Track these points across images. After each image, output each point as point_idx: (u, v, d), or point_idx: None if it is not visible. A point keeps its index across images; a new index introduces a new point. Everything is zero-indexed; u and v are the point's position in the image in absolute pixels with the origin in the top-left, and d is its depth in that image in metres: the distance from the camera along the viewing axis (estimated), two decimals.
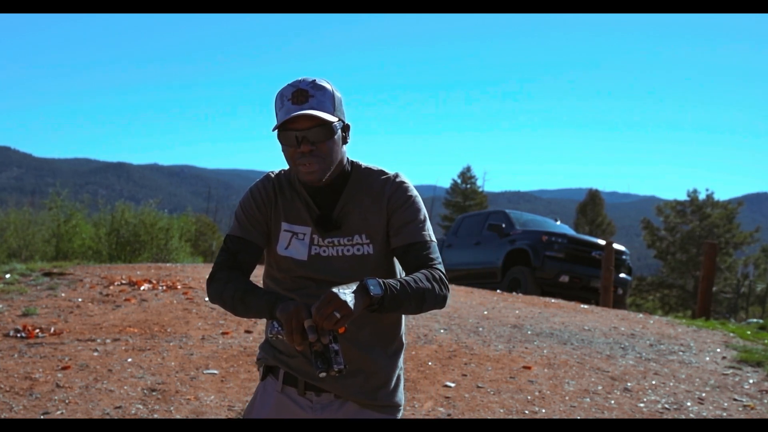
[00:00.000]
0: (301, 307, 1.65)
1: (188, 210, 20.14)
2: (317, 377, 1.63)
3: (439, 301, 1.82)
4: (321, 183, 1.86)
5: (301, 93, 1.81)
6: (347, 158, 1.94)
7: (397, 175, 1.94)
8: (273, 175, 1.98)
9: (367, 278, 1.70)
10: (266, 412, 1.95)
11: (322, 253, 1.90)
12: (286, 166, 1.96)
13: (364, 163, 1.97)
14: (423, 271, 1.82)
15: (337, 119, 1.83)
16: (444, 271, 1.87)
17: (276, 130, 1.84)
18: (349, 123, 1.91)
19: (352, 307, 1.62)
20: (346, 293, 1.63)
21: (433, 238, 1.92)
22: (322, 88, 1.83)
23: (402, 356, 2.00)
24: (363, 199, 1.92)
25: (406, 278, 1.77)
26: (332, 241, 1.90)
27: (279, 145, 1.87)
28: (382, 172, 1.95)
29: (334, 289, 1.63)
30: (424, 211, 1.94)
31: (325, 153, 1.82)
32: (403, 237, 1.88)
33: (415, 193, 1.94)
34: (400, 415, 1.98)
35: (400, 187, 1.92)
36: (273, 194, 1.95)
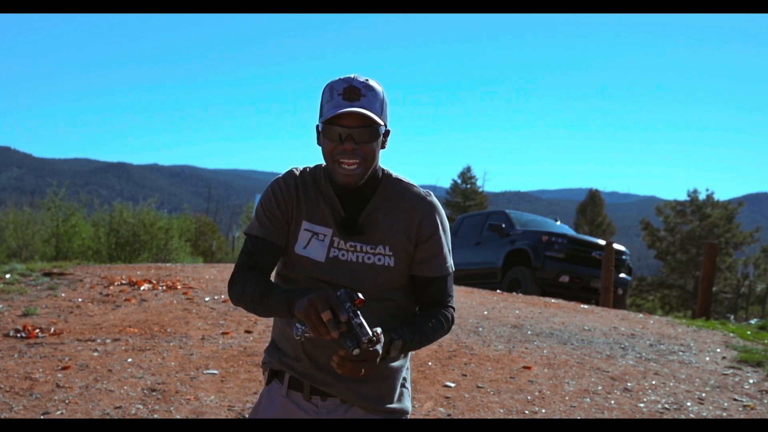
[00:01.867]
0: (315, 300, 1.62)
1: (186, 209, 20.12)
2: (351, 356, 1.63)
3: (442, 337, 1.95)
4: (356, 185, 1.84)
5: (354, 90, 1.78)
6: (379, 164, 1.92)
7: (429, 195, 1.93)
8: (297, 172, 1.93)
9: (391, 329, 1.79)
10: (270, 417, 1.92)
11: (341, 256, 1.87)
12: (302, 165, 1.94)
13: (393, 173, 1.94)
14: (439, 315, 1.90)
15: (383, 123, 1.82)
16: (455, 308, 1.95)
17: (321, 124, 1.81)
18: (389, 129, 1.88)
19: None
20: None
21: (453, 267, 1.95)
22: (374, 89, 1.81)
23: (408, 364, 2.00)
24: (392, 211, 1.89)
25: (423, 327, 1.86)
26: (354, 246, 1.87)
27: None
28: (414, 188, 1.93)
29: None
30: (449, 237, 1.95)
31: (367, 154, 1.80)
32: (427, 269, 1.90)
33: (445, 219, 1.94)
34: None
35: (432, 212, 1.90)
36: (295, 191, 1.90)
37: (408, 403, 1.97)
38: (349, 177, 1.80)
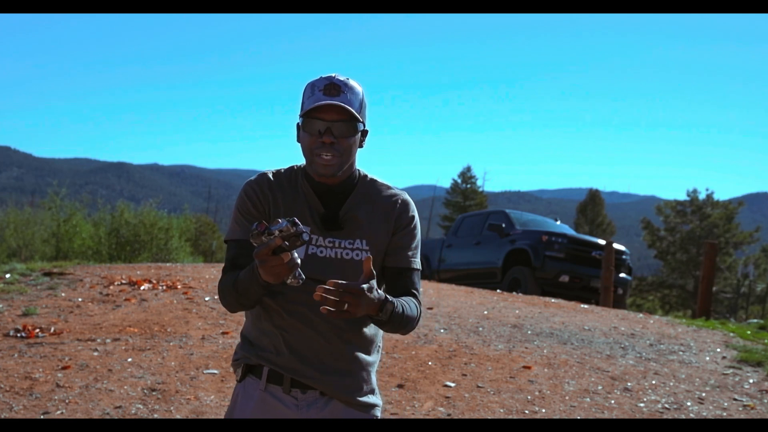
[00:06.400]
0: (259, 258, 1.64)
1: (186, 209, 20.11)
2: (302, 240, 1.64)
3: (414, 328, 1.95)
4: (333, 180, 1.89)
5: (334, 87, 1.85)
6: (356, 166, 1.97)
7: (404, 194, 2.01)
8: (270, 174, 1.97)
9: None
10: (249, 413, 1.90)
11: (320, 253, 1.90)
12: (284, 165, 1.97)
13: (369, 174, 2.01)
14: (412, 300, 1.93)
15: (362, 120, 1.89)
16: (421, 301, 2.00)
17: (301, 118, 1.88)
18: (367, 129, 1.94)
19: (371, 298, 1.71)
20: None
21: (420, 266, 2.01)
22: (354, 88, 1.88)
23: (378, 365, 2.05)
24: (370, 208, 1.95)
25: (405, 302, 1.87)
26: (332, 242, 1.90)
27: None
28: (390, 188, 2.00)
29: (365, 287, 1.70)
30: (420, 237, 2.02)
31: (344, 148, 1.86)
32: (398, 260, 1.96)
33: (418, 218, 2.01)
34: (379, 415, 1.98)
35: (407, 208, 1.98)
36: (269, 191, 1.94)
37: (379, 398, 2.01)
38: (326, 168, 1.86)
